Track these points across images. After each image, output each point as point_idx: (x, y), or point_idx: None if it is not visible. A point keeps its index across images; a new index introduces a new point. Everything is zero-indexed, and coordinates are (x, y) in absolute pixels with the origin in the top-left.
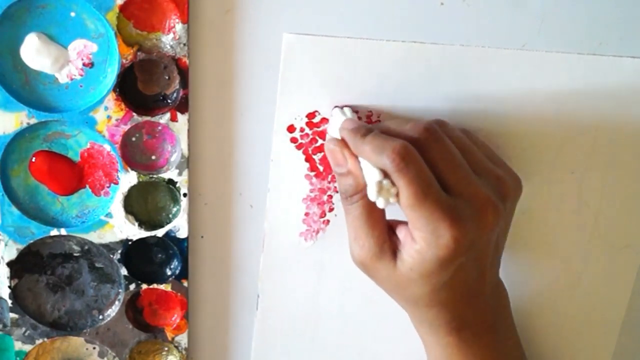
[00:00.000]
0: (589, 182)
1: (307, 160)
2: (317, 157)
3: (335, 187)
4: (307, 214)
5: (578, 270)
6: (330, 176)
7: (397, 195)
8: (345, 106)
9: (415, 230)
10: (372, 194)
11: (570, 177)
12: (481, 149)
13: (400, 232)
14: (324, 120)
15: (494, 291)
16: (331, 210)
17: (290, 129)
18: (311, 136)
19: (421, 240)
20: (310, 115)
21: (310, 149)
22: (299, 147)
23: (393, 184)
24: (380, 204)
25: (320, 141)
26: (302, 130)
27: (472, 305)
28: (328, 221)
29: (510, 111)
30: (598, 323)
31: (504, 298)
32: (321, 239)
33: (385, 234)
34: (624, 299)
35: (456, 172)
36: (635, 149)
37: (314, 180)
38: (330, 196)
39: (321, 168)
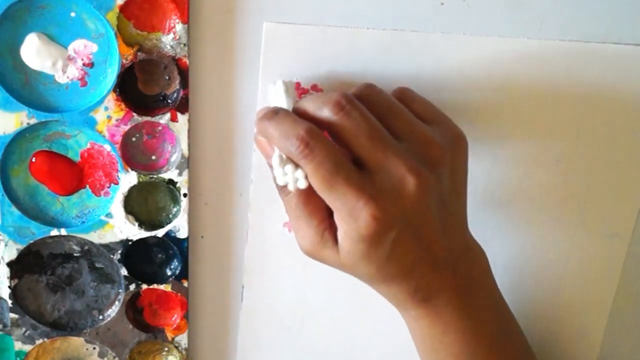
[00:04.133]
0: (574, 171)
1: None
2: None
3: None
4: None
5: (565, 260)
6: None
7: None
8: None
9: (336, 213)
10: (279, 178)
11: (556, 166)
12: (418, 107)
13: (334, 217)
14: None
15: (461, 257)
16: None
17: None
18: None
19: (342, 222)
20: None
21: None
22: None
23: (297, 166)
24: (290, 187)
25: None
26: None
27: (430, 275)
28: None
29: (493, 99)
30: (585, 312)
31: (480, 262)
32: None
33: (326, 221)
34: (611, 288)
35: (368, 145)
36: (621, 137)
37: None
38: None
39: None
